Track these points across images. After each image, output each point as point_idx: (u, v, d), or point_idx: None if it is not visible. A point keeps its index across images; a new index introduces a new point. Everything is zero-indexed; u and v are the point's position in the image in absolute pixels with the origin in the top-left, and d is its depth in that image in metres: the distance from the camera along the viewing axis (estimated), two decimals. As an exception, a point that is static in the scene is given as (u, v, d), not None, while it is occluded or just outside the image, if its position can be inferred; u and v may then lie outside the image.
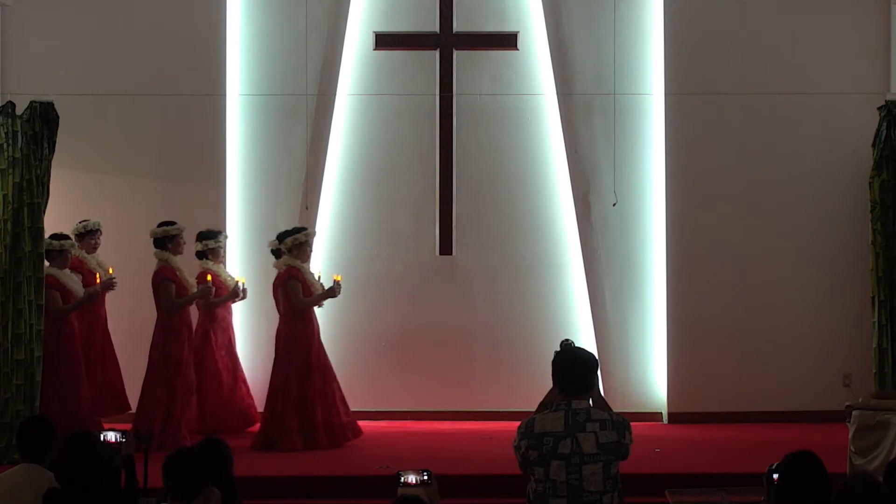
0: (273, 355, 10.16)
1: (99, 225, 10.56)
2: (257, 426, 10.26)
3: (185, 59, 11.23)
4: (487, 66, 11.50)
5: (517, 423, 5.45)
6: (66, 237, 10.14)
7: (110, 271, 10.39)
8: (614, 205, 11.23)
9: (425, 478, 4.91)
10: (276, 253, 10.23)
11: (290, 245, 10.02)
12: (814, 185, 11.38)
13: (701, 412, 11.14)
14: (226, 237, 10.82)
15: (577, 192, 11.38)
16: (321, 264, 11.37)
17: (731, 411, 11.16)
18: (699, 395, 11.20)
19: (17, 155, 9.50)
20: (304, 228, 10.21)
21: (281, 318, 10.05)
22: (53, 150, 9.64)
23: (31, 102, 9.60)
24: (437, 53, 11.46)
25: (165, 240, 10.13)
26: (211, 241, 10.56)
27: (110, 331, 10.53)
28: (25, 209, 9.51)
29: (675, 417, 11.21)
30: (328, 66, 11.36)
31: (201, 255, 10.54)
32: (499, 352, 11.38)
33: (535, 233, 11.49)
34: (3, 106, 9.68)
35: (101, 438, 5.72)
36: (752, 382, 11.25)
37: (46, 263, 9.79)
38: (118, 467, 5.78)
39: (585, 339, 10.91)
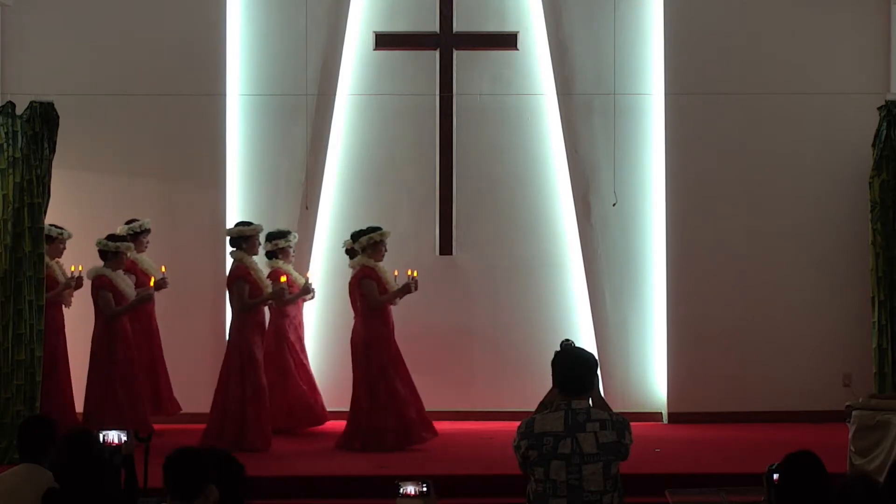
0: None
1: (149, 224, 10.52)
2: (326, 424, 10.35)
3: (185, 59, 11.23)
4: (487, 66, 11.50)
5: (517, 423, 5.45)
6: (122, 238, 10.08)
7: (163, 270, 10.39)
8: (614, 205, 11.23)
9: (424, 489, 4.85)
10: (351, 252, 10.27)
11: (364, 244, 9.98)
12: (814, 185, 11.38)
13: (701, 412, 11.14)
14: (295, 236, 10.73)
15: (577, 192, 11.38)
16: (321, 265, 11.39)
17: (731, 411, 11.15)
18: (699, 395, 11.20)
19: (18, 155, 9.51)
20: (378, 228, 10.11)
21: (357, 318, 9.98)
22: (54, 150, 9.65)
23: (31, 102, 9.61)
24: (437, 53, 11.46)
25: (241, 240, 10.06)
26: (281, 241, 10.53)
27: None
28: (26, 209, 9.51)
29: (675, 417, 11.21)
30: (328, 66, 11.36)
31: (271, 254, 10.51)
32: (499, 352, 11.38)
33: (535, 233, 11.49)
34: (3, 106, 9.69)
35: (101, 438, 5.72)
36: (752, 382, 11.25)
37: (100, 264, 9.83)
38: (118, 467, 5.78)
39: (585, 339, 10.91)
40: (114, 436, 5.84)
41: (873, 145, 10.12)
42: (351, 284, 10.13)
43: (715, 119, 11.34)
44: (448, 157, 11.46)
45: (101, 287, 9.84)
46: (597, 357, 5.61)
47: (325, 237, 11.41)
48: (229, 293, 10.03)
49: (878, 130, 10.08)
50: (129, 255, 10.13)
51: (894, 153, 10.01)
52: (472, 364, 11.39)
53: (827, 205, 11.35)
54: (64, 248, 10.32)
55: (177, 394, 10.59)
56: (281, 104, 11.34)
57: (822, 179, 11.37)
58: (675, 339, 11.29)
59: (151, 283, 10.22)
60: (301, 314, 10.76)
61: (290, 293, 10.39)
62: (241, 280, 9.92)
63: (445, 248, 11.39)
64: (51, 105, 9.60)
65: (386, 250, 10.09)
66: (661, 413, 11.31)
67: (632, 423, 5.48)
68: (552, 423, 5.26)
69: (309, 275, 10.64)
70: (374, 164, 11.52)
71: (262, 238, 10.35)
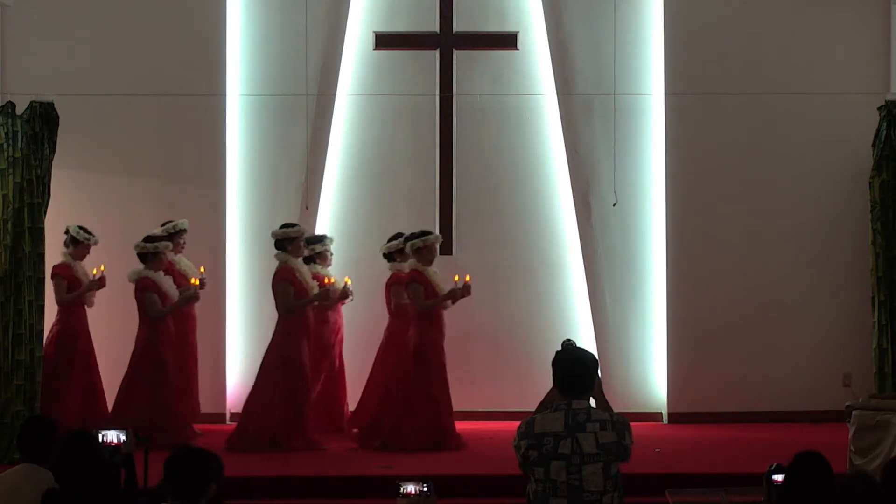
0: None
1: (185, 225, 10.51)
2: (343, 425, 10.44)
3: (185, 59, 11.23)
4: (487, 66, 11.50)
5: (517, 423, 5.44)
6: (160, 238, 10.05)
7: (202, 270, 10.38)
8: (614, 205, 11.24)
9: (425, 489, 4.82)
10: (388, 256, 10.34)
11: (419, 246, 9.93)
12: (814, 185, 11.39)
13: (701, 412, 11.14)
14: (331, 240, 10.69)
15: (577, 192, 11.38)
16: (321, 264, 11.40)
17: (731, 411, 11.16)
18: (699, 395, 11.20)
19: (18, 155, 9.51)
20: (431, 233, 10.11)
21: (411, 322, 9.94)
22: (54, 151, 9.65)
23: (31, 102, 9.61)
24: (437, 53, 11.46)
25: (286, 241, 10.02)
26: (318, 245, 10.52)
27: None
28: (26, 209, 9.52)
29: (675, 417, 11.21)
30: (328, 66, 11.36)
31: (309, 259, 10.49)
32: (499, 352, 11.38)
33: (535, 233, 11.49)
34: (3, 106, 9.69)
35: (101, 438, 5.72)
36: (752, 382, 11.25)
37: (141, 266, 9.86)
38: (118, 466, 5.78)
39: (585, 339, 10.91)
40: (113, 435, 5.85)
41: (873, 145, 10.13)
42: (387, 286, 10.23)
43: (715, 119, 11.34)
44: (448, 157, 11.46)
45: (146, 289, 9.80)
46: (597, 357, 5.60)
47: (324, 237, 11.42)
48: (274, 295, 9.96)
49: (878, 130, 10.08)
50: (168, 254, 10.10)
51: (894, 153, 10.01)
52: (473, 364, 11.37)
53: (827, 205, 11.35)
54: (88, 253, 10.34)
55: None
56: (281, 104, 11.34)
57: (822, 179, 11.37)
58: (675, 339, 11.29)
59: (195, 282, 10.18)
60: (341, 318, 10.73)
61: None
62: (286, 282, 9.87)
63: (445, 248, 11.37)
64: (51, 105, 9.60)
65: (436, 255, 10.02)
66: (661, 413, 11.31)
67: (632, 423, 5.47)
68: (552, 423, 5.25)
69: (348, 279, 10.60)
70: (374, 163, 11.52)
71: (337, 244, 10.50)
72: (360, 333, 10.98)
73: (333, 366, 10.62)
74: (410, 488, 4.81)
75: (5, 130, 9.53)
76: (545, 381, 5.67)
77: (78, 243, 10.21)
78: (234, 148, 11.39)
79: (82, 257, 10.32)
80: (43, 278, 9.60)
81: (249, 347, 11.25)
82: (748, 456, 9.30)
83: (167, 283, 10.01)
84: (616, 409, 5.69)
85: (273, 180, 11.42)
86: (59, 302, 10.19)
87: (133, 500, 5.62)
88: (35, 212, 9.54)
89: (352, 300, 10.65)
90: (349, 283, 10.52)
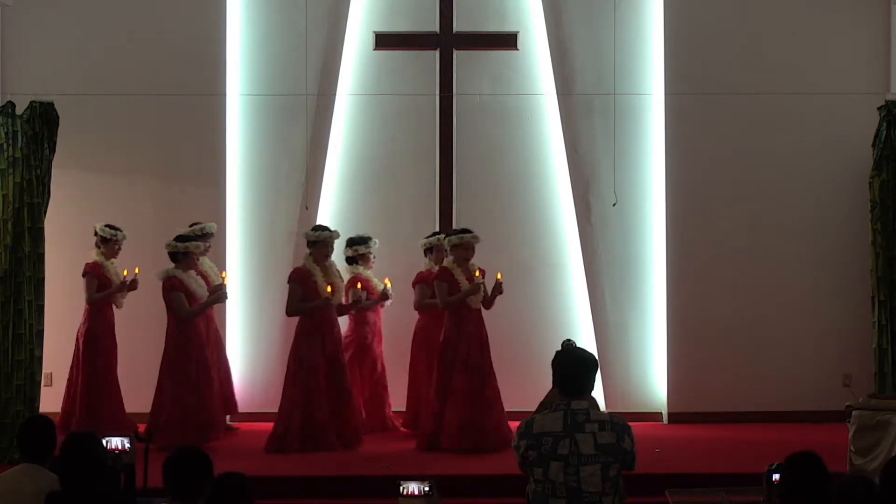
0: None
1: (213, 228, 10.53)
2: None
3: (185, 59, 11.23)
4: (487, 66, 11.50)
5: (517, 423, 5.45)
6: (190, 238, 10.03)
7: (223, 275, 10.36)
8: (614, 205, 11.24)
9: (427, 489, 4.77)
10: (428, 251, 10.43)
11: (454, 243, 9.91)
12: (814, 185, 11.38)
13: (701, 412, 11.14)
14: (375, 243, 10.69)
15: (577, 192, 11.38)
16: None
17: (731, 411, 11.15)
18: (699, 395, 11.20)
19: (18, 155, 9.51)
20: (470, 231, 10.00)
21: (445, 319, 9.92)
22: (54, 150, 9.65)
23: (31, 102, 9.61)
24: (437, 53, 11.45)
25: (311, 244, 9.96)
26: (361, 247, 10.55)
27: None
28: (26, 209, 9.52)
29: (675, 417, 11.20)
30: (328, 66, 11.36)
31: (351, 260, 10.53)
32: (499, 352, 11.32)
33: (535, 233, 11.49)
34: (3, 106, 9.69)
35: (105, 444, 5.73)
36: (752, 382, 11.25)
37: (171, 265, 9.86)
38: (118, 470, 5.79)
39: (585, 339, 10.92)
40: (117, 442, 5.86)
41: (873, 145, 10.13)
42: (413, 284, 10.32)
43: (715, 119, 11.34)
44: (448, 157, 11.45)
45: (173, 288, 9.78)
46: (597, 357, 5.60)
47: (325, 237, 11.42)
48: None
49: (878, 130, 10.09)
50: (198, 254, 10.06)
51: (894, 153, 10.02)
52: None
53: (827, 205, 11.35)
54: (119, 249, 10.37)
55: None
56: (281, 104, 11.34)
57: (822, 179, 11.37)
58: (675, 339, 11.29)
59: (224, 281, 10.21)
60: (380, 320, 10.72)
61: (369, 298, 10.47)
62: (295, 284, 9.83)
63: (445, 248, 11.38)
64: (51, 105, 9.60)
65: (472, 254, 9.96)
66: (661, 413, 11.31)
67: (632, 423, 5.48)
68: (551, 423, 5.25)
69: (388, 280, 10.57)
70: (374, 163, 11.52)
71: (341, 243, 10.40)
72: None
73: (376, 367, 10.62)
74: (413, 488, 4.78)
75: (5, 130, 9.53)
76: (545, 382, 5.67)
77: (107, 241, 10.31)
78: (234, 148, 11.39)
79: (114, 255, 10.38)
80: (43, 278, 9.60)
81: (249, 347, 11.25)
82: (748, 456, 9.30)
83: (196, 282, 9.96)
84: (616, 410, 5.70)
85: (273, 180, 11.42)
86: (88, 301, 10.22)
87: (132, 502, 5.63)
88: (35, 212, 9.54)
89: (391, 302, 10.66)
90: (389, 284, 10.48)
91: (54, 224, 10.17)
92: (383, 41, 11.44)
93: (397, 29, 11.48)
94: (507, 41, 11.45)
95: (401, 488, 4.77)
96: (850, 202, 11.12)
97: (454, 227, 11.38)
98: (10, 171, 9.51)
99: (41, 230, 9.58)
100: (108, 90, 11.14)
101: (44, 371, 9.76)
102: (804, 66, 11.38)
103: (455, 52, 11.45)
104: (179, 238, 9.96)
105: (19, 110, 9.60)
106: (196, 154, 11.30)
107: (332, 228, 10.18)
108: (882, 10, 11.42)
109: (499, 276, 9.98)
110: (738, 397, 11.21)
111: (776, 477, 5.31)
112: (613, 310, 11.37)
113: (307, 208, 11.26)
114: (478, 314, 9.96)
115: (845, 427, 8.76)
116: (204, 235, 10.34)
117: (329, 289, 9.86)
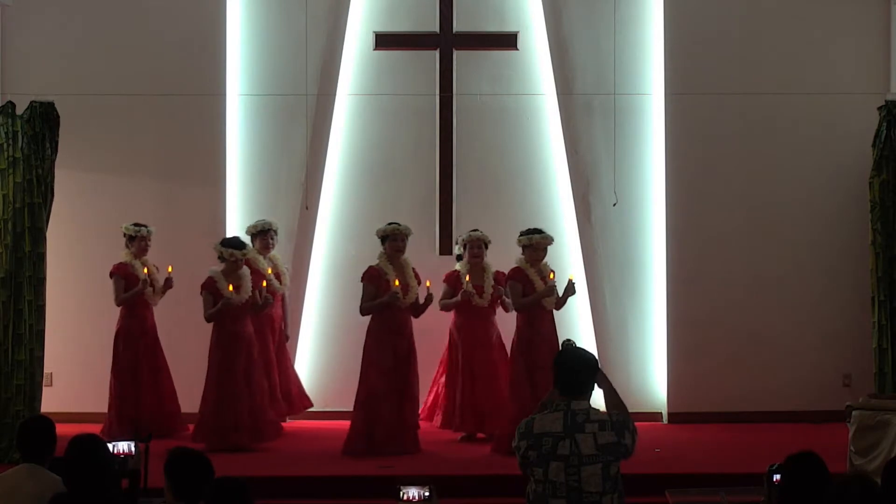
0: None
1: (271, 225, 10.57)
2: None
3: (185, 59, 11.23)
4: (487, 66, 11.50)
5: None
6: (243, 245, 9.94)
7: (263, 284, 10.22)
8: (614, 205, 11.24)
9: (427, 494, 4.75)
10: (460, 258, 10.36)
11: (524, 244, 9.81)
12: (814, 185, 11.38)
13: (701, 412, 11.14)
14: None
15: (577, 192, 11.38)
16: (321, 264, 11.39)
17: (731, 411, 11.15)
18: (699, 395, 11.20)
19: (18, 155, 9.51)
20: (541, 231, 9.85)
21: (517, 320, 9.84)
22: (56, 151, 9.65)
23: (32, 102, 9.62)
24: (437, 53, 11.45)
25: (386, 238, 9.86)
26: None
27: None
28: (26, 209, 9.52)
29: (675, 417, 11.20)
30: (328, 66, 11.36)
31: (460, 257, 10.51)
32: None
33: (535, 233, 11.47)
34: (3, 106, 9.69)
35: (112, 448, 5.73)
36: (751, 382, 11.25)
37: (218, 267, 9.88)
38: (120, 473, 5.80)
39: (585, 339, 10.92)
40: (123, 446, 5.88)
41: (873, 145, 10.12)
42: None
43: (715, 119, 11.34)
44: (448, 157, 11.45)
45: (203, 288, 9.81)
46: (597, 357, 5.60)
47: (325, 237, 11.42)
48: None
49: (878, 130, 10.08)
50: (249, 256, 10.03)
51: (894, 153, 10.01)
52: (473, 364, 11.36)
53: (827, 205, 11.35)
54: (148, 245, 10.33)
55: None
56: (281, 104, 11.34)
57: (822, 179, 11.37)
58: (675, 339, 11.29)
59: (231, 289, 9.92)
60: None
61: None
62: (365, 282, 9.75)
63: (445, 248, 11.38)
64: (51, 105, 9.60)
65: (544, 255, 9.85)
66: (661, 413, 11.31)
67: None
68: (551, 423, 5.25)
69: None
70: (374, 164, 11.52)
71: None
72: (357, 333, 10.95)
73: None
74: (412, 493, 4.75)
75: (5, 130, 9.53)
76: (545, 382, 5.67)
77: (133, 239, 10.27)
78: (234, 148, 11.39)
79: (144, 252, 10.36)
80: (43, 278, 9.60)
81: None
82: (748, 456, 9.30)
83: (223, 284, 9.82)
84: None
85: (273, 180, 11.42)
86: (115, 302, 10.19)
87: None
88: (35, 212, 9.55)
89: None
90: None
91: (54, 224, 10.15)
92: (383, 41, 11.45)
93: (397, 29, 11.48)
94: (507, 41, 11.45)
95: (400, 493, 4.75)
96: (850, 202, 11.11)
97: (454, 227, 11.41)
98: (11, 171, 9.51)
99: (41, 230, 9.58)
100: (108, 90, 11.14)
101: (44, 371, 9.76)
102: (804, 66, 11.38)
103: (455, 52, 11.45)
104: (225, 243, 9.95)
105: (19, 110, 9.60)
106: (196, 154, 11.30)
107: (397, 224, 9.93)
108: (882, 10, 11.42)
109: (571, 277, 9.87)
110: (737, 397, 11.21)
111: (777, 477, 5.31)
112: (613, 310, 11.37)
113: (307, 208, 11.26)
114: (551, 315, 9.84)
115: (845, 427, 8.77)
116: (260, 233, 10.50)
117: (396, 283, 9.68)
